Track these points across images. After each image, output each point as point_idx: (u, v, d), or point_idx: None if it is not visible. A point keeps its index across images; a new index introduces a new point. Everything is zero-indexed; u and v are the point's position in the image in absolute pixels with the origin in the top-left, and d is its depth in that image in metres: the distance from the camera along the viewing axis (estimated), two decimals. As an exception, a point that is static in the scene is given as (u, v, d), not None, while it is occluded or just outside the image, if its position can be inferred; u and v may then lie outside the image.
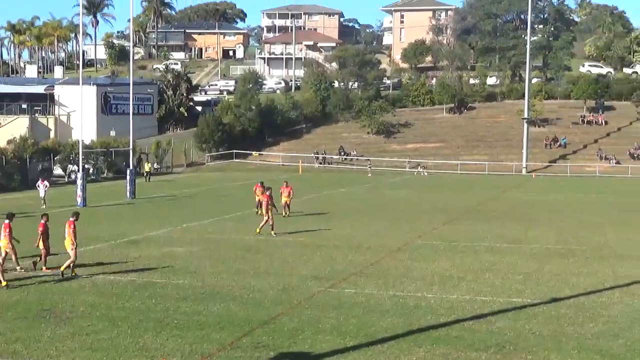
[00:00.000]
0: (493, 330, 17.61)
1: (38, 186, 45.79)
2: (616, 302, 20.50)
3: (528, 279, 23.42)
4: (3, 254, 22.52)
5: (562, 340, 16.92)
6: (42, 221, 24.42)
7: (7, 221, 23.48)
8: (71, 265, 23.19)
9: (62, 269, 23.14)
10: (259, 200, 38.60)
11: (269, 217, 32.13)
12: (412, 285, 22.39)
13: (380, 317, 18.74)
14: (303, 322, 18.26)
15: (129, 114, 56.19)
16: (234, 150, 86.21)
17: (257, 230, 32.37)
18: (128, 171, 52.59)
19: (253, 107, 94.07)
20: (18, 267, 24.10)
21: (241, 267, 24.98)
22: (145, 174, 67.41)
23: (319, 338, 16.96)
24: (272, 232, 31.98)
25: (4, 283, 21.71)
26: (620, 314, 19.17)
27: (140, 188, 55.14)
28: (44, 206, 42.67)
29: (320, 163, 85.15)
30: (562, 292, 21.48)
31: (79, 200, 45.74)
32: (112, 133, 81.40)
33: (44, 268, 24.19)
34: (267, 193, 33.09)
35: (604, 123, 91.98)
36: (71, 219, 23.55)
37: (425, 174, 77.73)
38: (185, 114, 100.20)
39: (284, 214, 38.03)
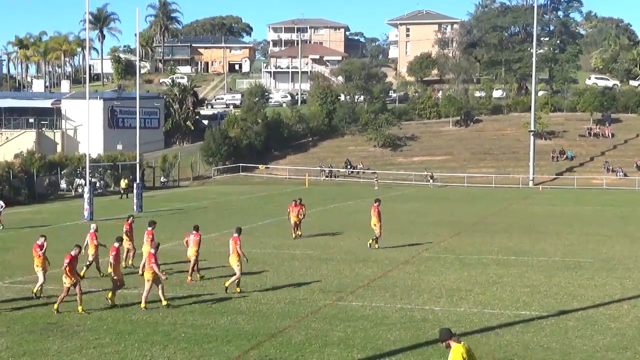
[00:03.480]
0: (501, 343, 17.57)
1: None
2: (624, 314, 20.44)
3: (536, 291, 23.36)
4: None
5: (571, 353, 16.86)
6: (195, 232, 25.68)
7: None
8: (237, 282, 23.29)
9: (227, 284, 23.26)
10: (295, 222, 36.12)
11: (380, 230, 32.08)
12: (420, 298, 22.36)
13: (388, 330, 18.72)
14: (310, 335, 18.24)
15: (135, 127, 56.35)
16: (241, 164, 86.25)
17: (377, 246, 32.23)
18: (135, 185, 52.70)
19: (259, 121, 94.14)
20: (189, 278, 25.16)
21: (248, 280, 24.96)
22: (122, 191, 64.89)
23: (326, 351, 16.94)
24: (372, 243, 32.00)
25: (164, 302, 21.24)
26: (629, 327, 19.11)
27: (117, 205, 55.42)
28: (0, 227, 41.46)
29: (327, 176, 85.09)
30: (570, 305, 21.42)
31: (85, 214, 45.80)
32: (119, 147, 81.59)
33: (189, 279, 25.05)
34: (376, 205, 32.62)
35: (610, 135, 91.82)
36: (235, 234, 23.62)
37: (431, 186, 77.39)
38: (192, 128, 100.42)
39: (293, 235, 36.18)
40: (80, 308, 20.46)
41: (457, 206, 55.28)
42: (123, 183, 64.69)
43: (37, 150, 74.87)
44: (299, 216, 36.49)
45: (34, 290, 22.30)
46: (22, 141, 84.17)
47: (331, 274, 26.20)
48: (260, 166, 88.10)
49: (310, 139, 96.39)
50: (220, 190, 73.47)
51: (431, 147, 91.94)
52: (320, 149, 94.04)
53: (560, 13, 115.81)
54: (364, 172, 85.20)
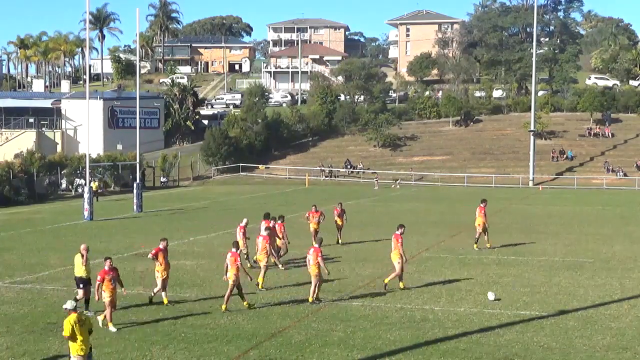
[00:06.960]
0: (501, 343, 17.57)
1: None
2: (624, 314, 20.44)
3: (536, 291, 23.36)
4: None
5: (571, 353, 16.86)
6: (280, 222, 28.13)
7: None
8: (396, 278, 23.49)
9: (386, 281, 23.45)
10: (315, 229, 32.55)
11: (486, 230, 32.18)
12: (420, 298, 22.36)
13: (388, 330, 18.71)
14: (310, 335, 18.24)
15: (135, 127, 56.35)
16: (241, 164, 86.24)
17: (488, 245, 32.25)
18: (135, 184, 52.68)
19: (259, 121, 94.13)
20: (280, 265, 26.76)
21: (247, 281, 24.94)
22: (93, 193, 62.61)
23: (326, 351, 16.94)
24: (476, 247, 32.15)
25: (310, 299, 21.56)
26: (629, 326, 19.11)
27: (117, 205, 55.11)
28: None
29: (327, 176, 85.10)
30: (570, 305, 21.42)
31: (85, 214, 45.77)
32: (119, 147, 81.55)
33: (280, 266, 26.75)
34: (482, 205, 32.55)
35: (610, 135, 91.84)
36: (397, 232, 24.00)
37: (398, 187, 76.79)
38: (192, 128, 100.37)
39: (339, 240, 34.26)
40: (245, 304, 20.93)
41: (457, 206, 55.24)
42: (94, 185, 63.74)
43: (37, 150, 74.84)
44: (320, 222, 33.43)
45: (152, 296, 22.03)
46: (22, 141, 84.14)
47: (331, 274, 26.16)
48: (260, 166, 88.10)
49: (310, 139, 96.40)
50: (220, 190, 73.46)
51: (431, 147, 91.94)
52: (320, 149, 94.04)
53: (560, 13, 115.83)
54: (364, 172, 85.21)
